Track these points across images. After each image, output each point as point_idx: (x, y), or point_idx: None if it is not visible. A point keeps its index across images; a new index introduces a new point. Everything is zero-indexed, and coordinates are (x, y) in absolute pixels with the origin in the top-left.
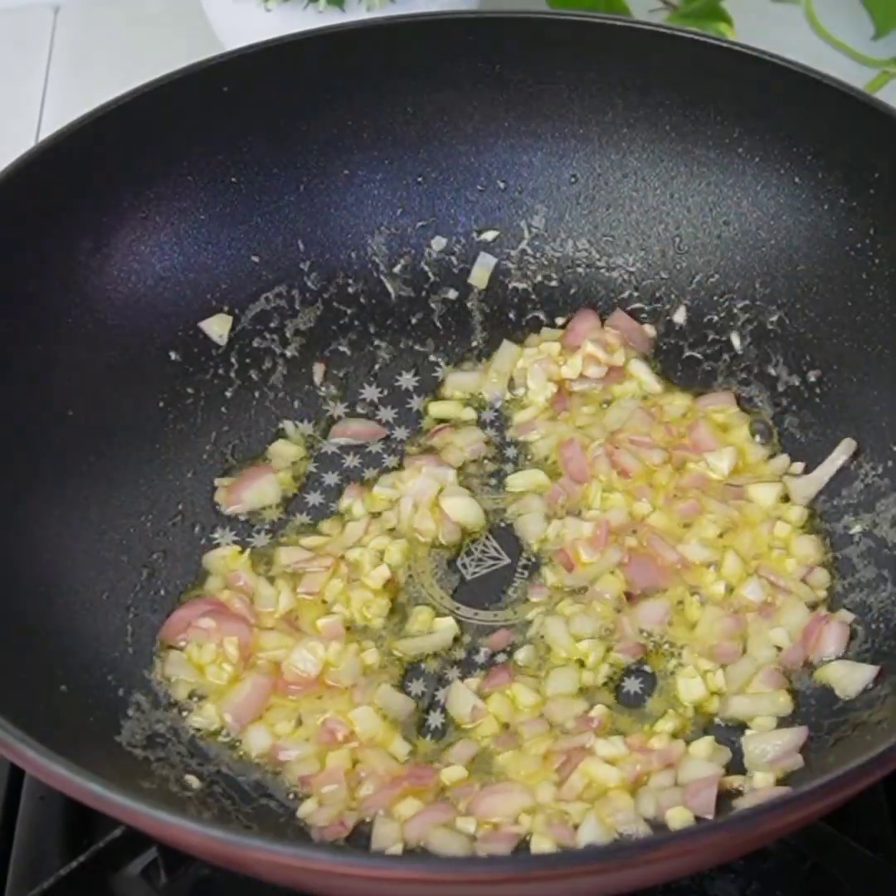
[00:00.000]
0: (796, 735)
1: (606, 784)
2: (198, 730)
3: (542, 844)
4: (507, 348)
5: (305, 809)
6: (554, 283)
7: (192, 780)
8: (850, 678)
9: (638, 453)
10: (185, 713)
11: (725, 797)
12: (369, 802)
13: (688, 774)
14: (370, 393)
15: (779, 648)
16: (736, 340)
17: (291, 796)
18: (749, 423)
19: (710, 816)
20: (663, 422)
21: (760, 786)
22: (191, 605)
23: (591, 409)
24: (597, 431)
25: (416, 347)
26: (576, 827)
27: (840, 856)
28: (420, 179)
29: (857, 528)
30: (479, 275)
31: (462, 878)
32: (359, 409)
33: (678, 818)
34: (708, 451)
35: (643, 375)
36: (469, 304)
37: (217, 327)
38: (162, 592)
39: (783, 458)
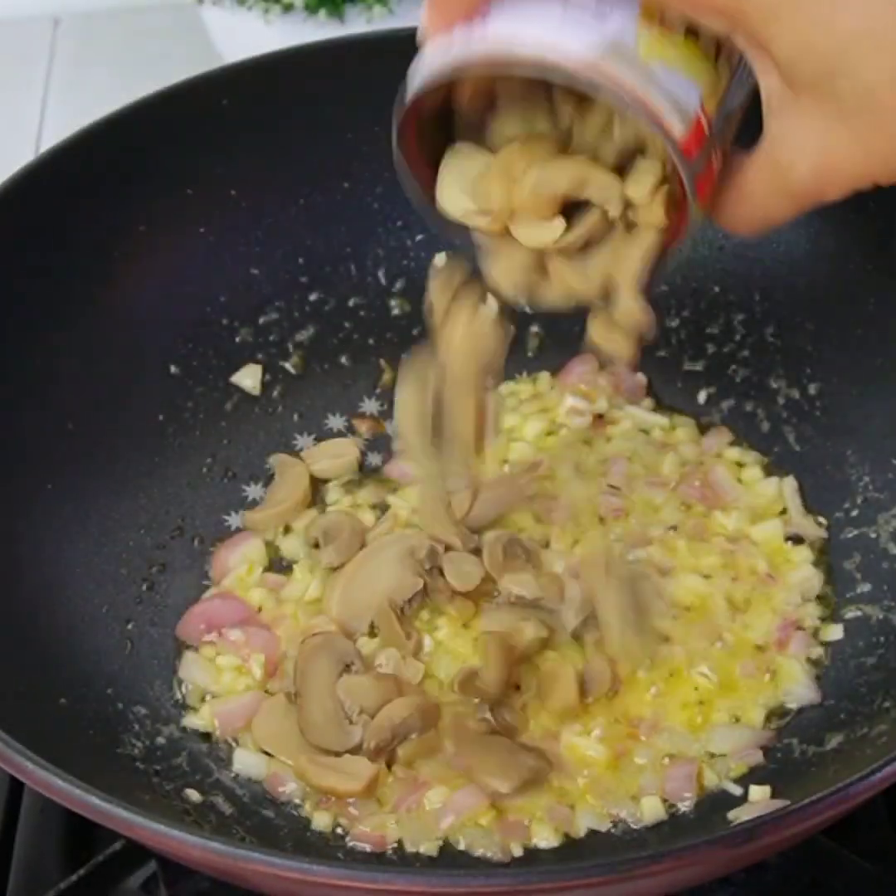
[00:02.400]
0: (760, 735)
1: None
2: (202, 735)
3: (541, 830)
4: None
5: (320, 823)
6: None
7: (192, 793)
8: (799, 685)
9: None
10: (186, 714)
11: (719, 806)
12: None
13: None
14: (370, 406)
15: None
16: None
17: (293, 809)
18: (763, 463)
19: (685, 805)
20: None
21: (757, 799)
22: (209, 601)
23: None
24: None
25: None
26: (572, 807)
27: (840, 869)
28: None
29: (856, 542)
30: None
31: (463, 891)
32: (359, 423)
33: (651, 807)
34: (726, 500)
35: (639, 415)
36: None
37: (250, 380)
38: (161, 606)
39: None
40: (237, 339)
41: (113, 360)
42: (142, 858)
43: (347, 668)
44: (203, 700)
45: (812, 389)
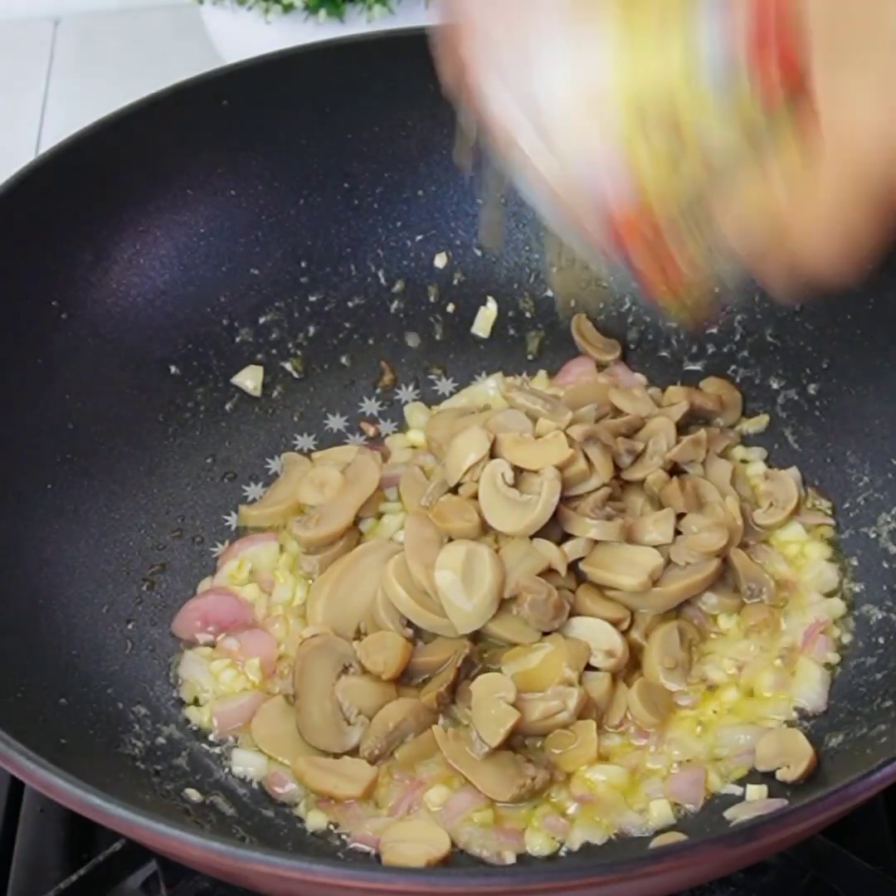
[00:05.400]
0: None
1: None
2: (202, 735)
3: (535, 840)
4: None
5: (314, 823)
6: (552, 296)
7: (192, 793)
8: (812, 689)
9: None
10: (185, 710)
11: (717, 806)
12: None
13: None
14: (370, 406)
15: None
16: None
17: (292, 809)
18: (766, 457)
19: (694, 807)
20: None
21: (754, 798)
22: (204, 597)
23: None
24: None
25: (416, 361)
26: (571, 820)
27: (839, 869)
28: (420, 193)
29: (856, 542)
30: (483, 324)
31: (462, 891)
32: (359, 424)
33: (660, 811)
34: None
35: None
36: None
37: (250, 381)
38: (161, 606)
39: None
40: (237, 340)
41: (113, 360)
42: (142, 858)
43: (346, 669)
44: (201, 697)
45: (812, 390)
